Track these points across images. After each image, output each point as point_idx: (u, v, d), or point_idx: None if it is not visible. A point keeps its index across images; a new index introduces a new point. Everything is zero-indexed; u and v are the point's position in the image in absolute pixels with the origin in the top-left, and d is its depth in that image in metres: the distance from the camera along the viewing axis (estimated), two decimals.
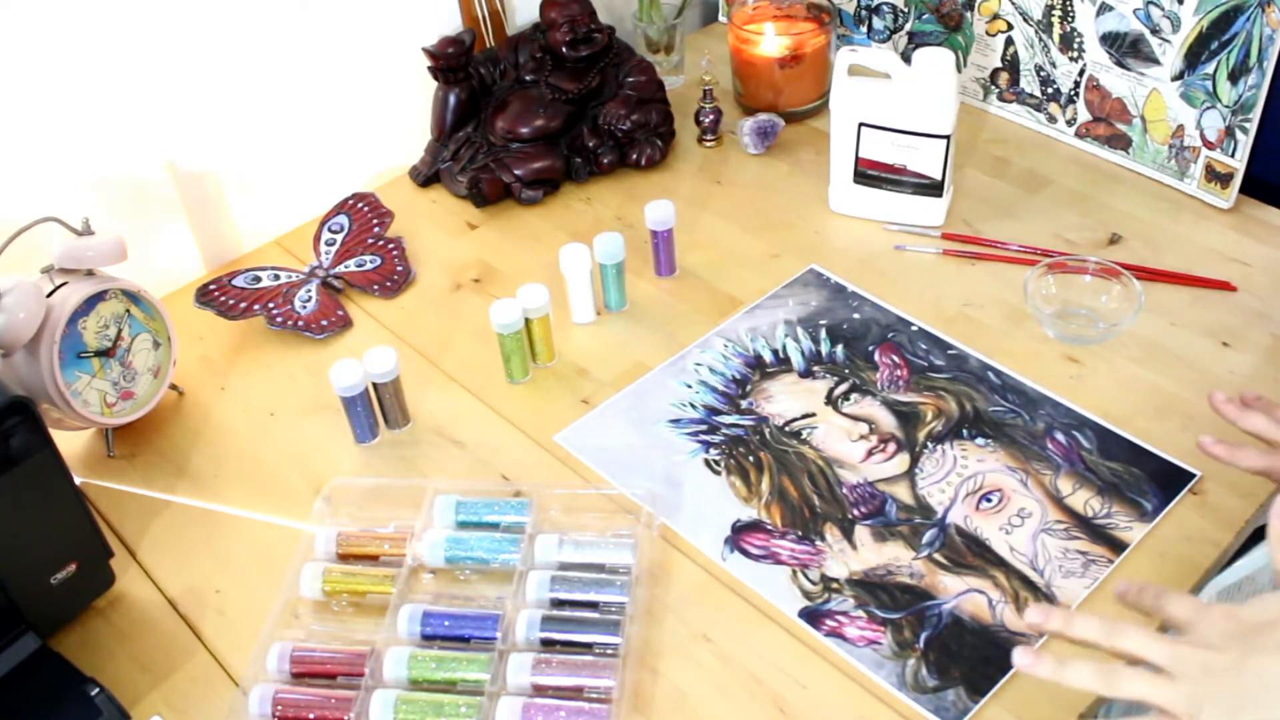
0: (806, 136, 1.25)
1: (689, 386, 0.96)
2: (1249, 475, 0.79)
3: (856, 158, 1.09)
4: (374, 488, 0.89)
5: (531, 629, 0.76)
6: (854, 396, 0.94)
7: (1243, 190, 1.08)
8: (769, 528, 0.84)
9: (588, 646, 0.76)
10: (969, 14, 1.21)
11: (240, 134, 1.11)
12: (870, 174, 1.09)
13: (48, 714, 0.73)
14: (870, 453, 0.89)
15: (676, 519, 0.85)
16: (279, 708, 0.73)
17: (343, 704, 0.73)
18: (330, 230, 1.14)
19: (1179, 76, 1.06)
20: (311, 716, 0.73)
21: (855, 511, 0.85)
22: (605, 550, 0.81)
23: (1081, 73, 1.14)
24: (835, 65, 1.07)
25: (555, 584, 0.79)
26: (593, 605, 0.78)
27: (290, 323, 1.04)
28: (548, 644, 0.76)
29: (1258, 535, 0.92)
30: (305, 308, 1.06)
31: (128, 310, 0.94)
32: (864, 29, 1.32)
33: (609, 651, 0.75)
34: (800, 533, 0.84)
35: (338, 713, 0.73)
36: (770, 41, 1.23)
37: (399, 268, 1.11)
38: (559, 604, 0.78)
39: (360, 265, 1.11)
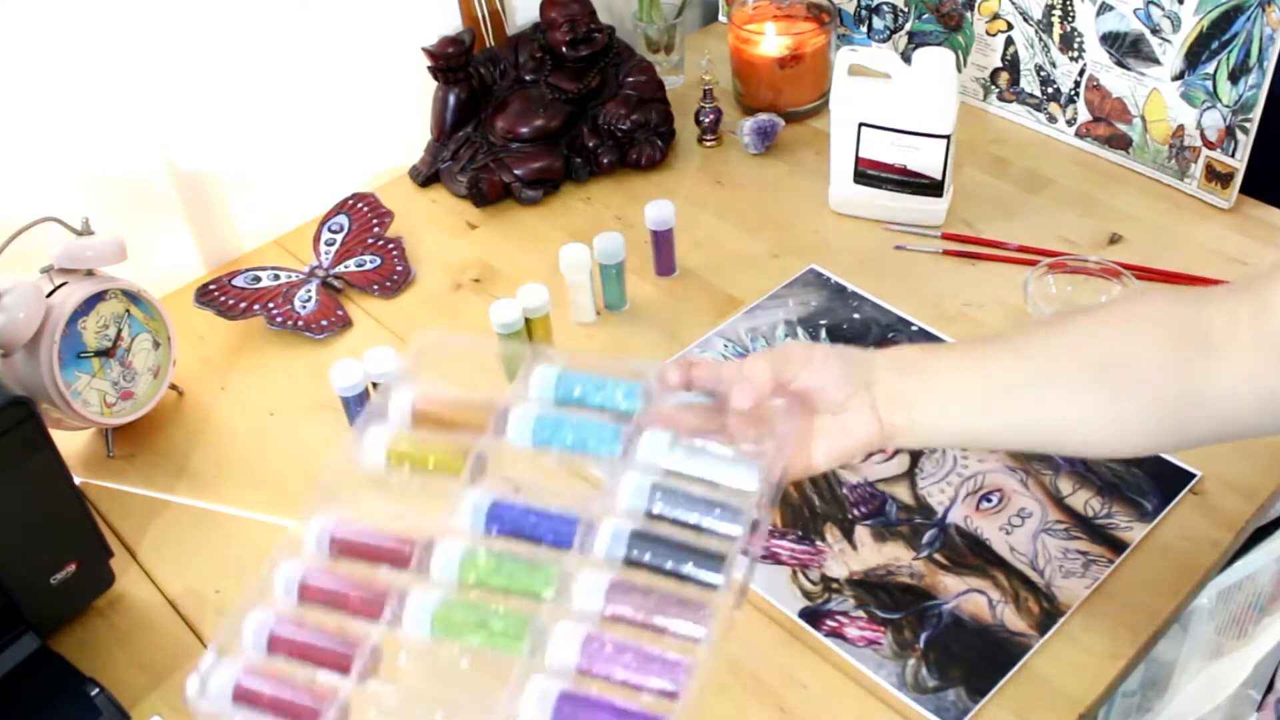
0: (806, 136, 1.25)
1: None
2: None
3: (856, 158, 1.09)
4: (469, 347, 0.79)
5: (617, 543, 0.60)
6: None
7: (1243, 190, 1.08)
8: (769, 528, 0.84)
9: (681, 579, 0.60)
10: (969, 14, 1.21)
11: (240, 134, 1.11)
12: (870, 174, 1.09)
13: (48, 714, 0.73)
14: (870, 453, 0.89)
15: None
16: (306, 589, 0.62)
17: (373, 602, 0.61)
18: (330, 230, 1.14)
19: (1179, 76, 1.06)
20: (343, 595, 0.62)
21: (855, 511, 0.85)
22: (724, 467, 0.64)
23: (1082, 73, 1.14)
24: (835, 65, 1.07)
25: (658, 494, 0.62)
26: (696, 529, 0.62)
27: (290, 323, 1.04)
28: (633, 566, 0.61)
29: (1258, 535, 0.92)
30: (305, 308, 1.06)
31: (128, 310, 0.94)
32: (864, 29, 1.32)
33: (707, 586, 0.60)
34: (800, 533, 0.84)
35: (371, 603, 0.60)
36: (770, 41, 1.23)
37: (399, 268, 1.11)
38: (656, 519, 0.62)
39: (360, 265, 1.11)
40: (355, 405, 0.91)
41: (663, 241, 1.05)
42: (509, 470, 0.67)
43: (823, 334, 1.00)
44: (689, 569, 0.60)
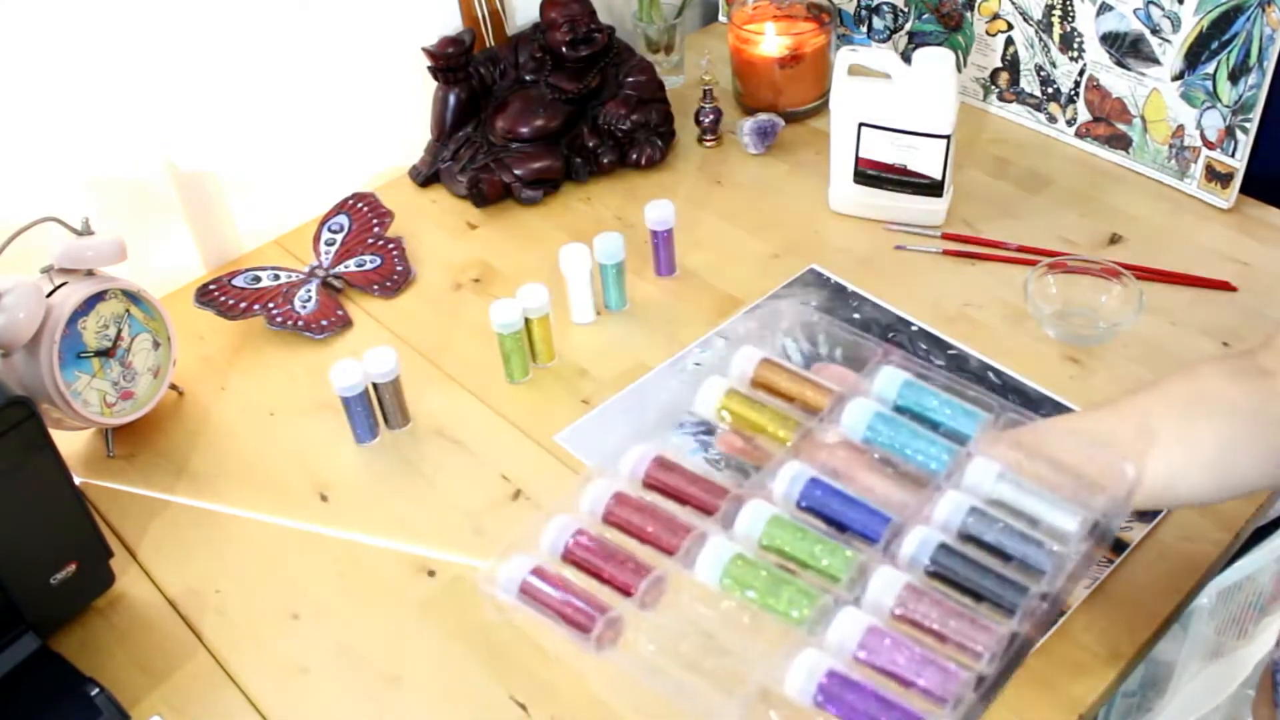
0: (806, 136, 1.25)
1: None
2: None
3: (856, 158, 1.09)
4: (817, 322, 0.78)
5: (924, 550, 0.61)
6: None
7: (1243, 190, 1.08)
8: None
9: (978, 599, 0.60)
10: (969, 14, 1.21)
11: (240, 134, 1.11)
12: (870, 174, 1.09)
13: (48, 714, 0.73)
14: None
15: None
16: (612, 513, 0.64)
17: (671, 538, 0.62)
18: (330, 230, 1.14)
19: (1179, 76, 1.06)
20: (641, 525, 0.63)
21: None
22: (1048, 507, 0.62)
23: (1081, 73, 1.14)
24: (835, 65, 1.07)
25: (973, 517, 0.62)
26: (1005, 558, 0.61)
27: (290, 323, 1.04)
28: (933, 577, 0.61)
29: (1258, 535, 0.92)
30: (305, 308, 1.06)
31: (128, 310, 0.94)
32: (864, 29, 1.32)
33: (1002, 608, 0.59)
34: None
35: (669, 539, 0.62)
36: (770, 41, 1.23)
37: (399, 268, 1.11)
38: (967, 539, 0.62)
39: (360, 265, 1.11)
40: (355, 405, 0.91)
41: (663, 241, 1.05)
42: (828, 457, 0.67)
43: (822, 335, 0.99)
44: (990, 588, 0.60)
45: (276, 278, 1.09)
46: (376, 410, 0.93)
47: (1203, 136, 1.07)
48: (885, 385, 0.69)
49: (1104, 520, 0.61)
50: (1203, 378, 0.66)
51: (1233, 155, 1.05)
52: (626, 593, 0.61)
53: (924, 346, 0.97)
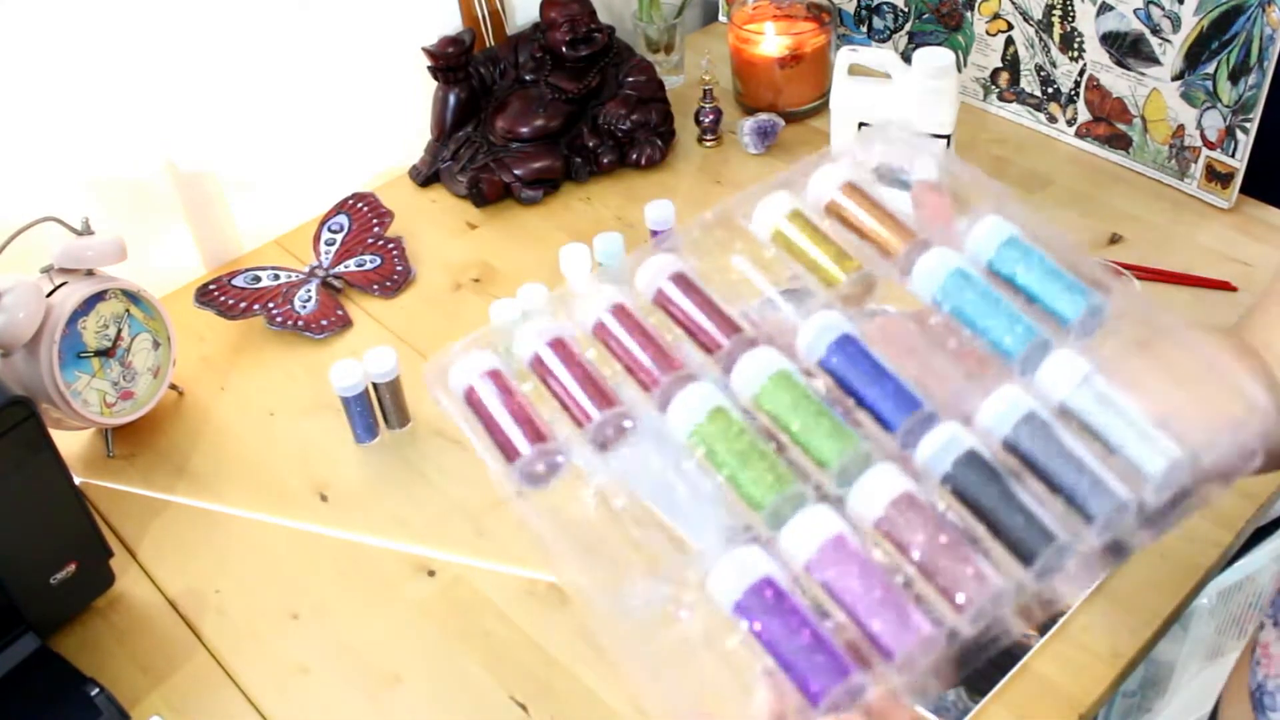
0: (806, 136, 1.25)
1: None
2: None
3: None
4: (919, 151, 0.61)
5: (945, 454, 0.46)
6: None
7: (1243, 190, 1.08)
8: None
9: (996, 534, 0.45)
10: (969, 14, 1.21)
11: (240, 134, 1.11)
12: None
13: (48, 714, 0.73)
14: None
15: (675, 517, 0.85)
16: (608, 317, 0.53)
17: (656, 371, 0.50)
18: (330, 230, 1.14)
19: (1179, 76, 1.06)
20: (628, 350, 0.52)
21: None
22: (1135, 435, 0.46)
23: (1082, 72, 1.14)
24: (835, 65, 1.07)
25: (1028, 426, 0.46)
26: (1054, 489, 0.46)
27: (290, 323, 1.04)
28: (952, 493, 0.46)
29: (1258, 535, 0.92)
30: (305, 308, 1.06)
31: (127, 310, 0.94)
32: (864, 29, 1.32)
33: (1020, 554, 0.44)
34: None
35: (652, 373, 0.51)
36: (770, 41, 1.23)
37: (399, 268, 1.11)
38: (1012, 451, 0.47)
39: (360, 265, 1.11)
40: (355, 405, 0.91)
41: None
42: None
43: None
44: (1011, 524, 0.44)
45: (276, 278, 1.09)
46: (376, 410, 0.93)
47: (1203, 136, 1.07)
48: (984, 237, 0.52)
49: (1210, 470, 0.45)
50: None
51: (1233, 155, 1.05)
52: (582, 423, 0.50)
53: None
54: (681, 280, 0.54)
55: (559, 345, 0.52)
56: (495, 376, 0.52)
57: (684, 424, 0.49)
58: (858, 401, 0.49)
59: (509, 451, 0.50)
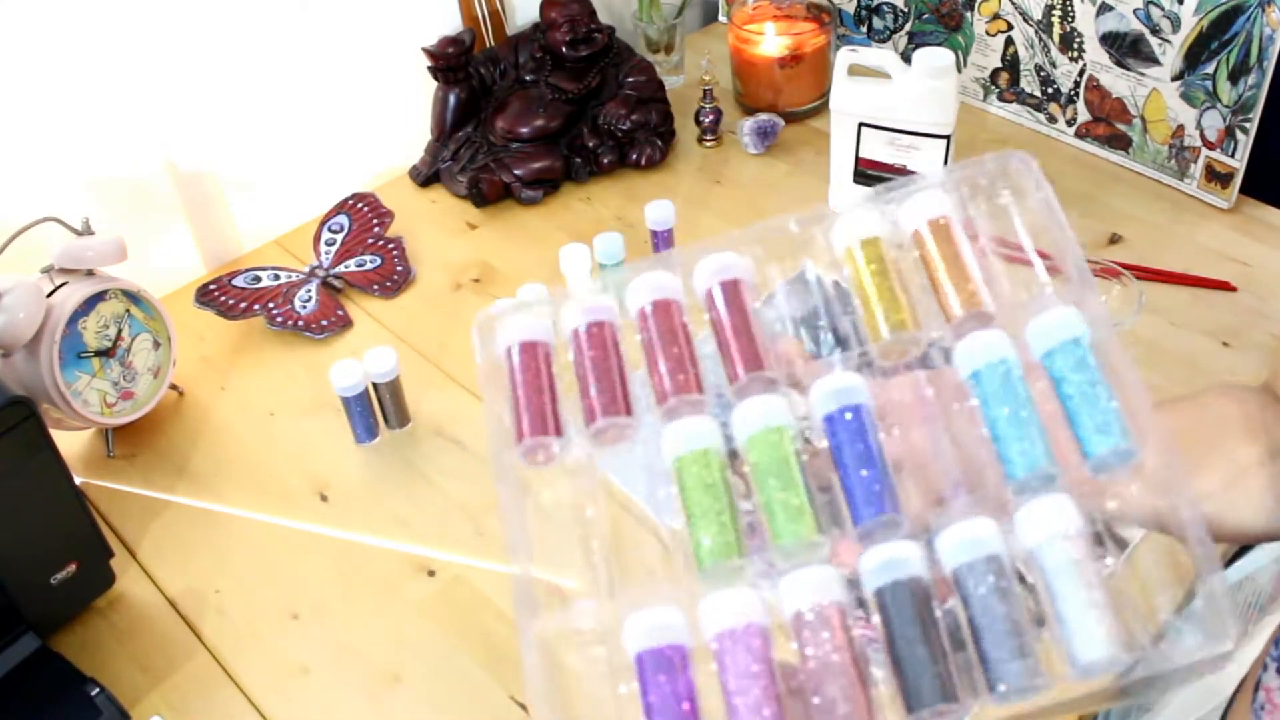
0: (806, 136, 1.25)
1: None
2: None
3: (856, 158, 1.09)
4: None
5: (888, 571, 0.45)
6: None
7: (1243, 190, 1.08)
8: None
9: (895, 667, 0.44)
10: (969, 14, 1.21)
11: (240, 134, 1.11)
12: (870, 174, 1.09)
13: (48, 714, 0.73)
14: None
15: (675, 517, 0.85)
16: (650, 310, 0.52)
17: (682, 381, 0.50)
18: (330, 230, 1.14)
19: (1179, 76, 1.06)
20: (657, 352, 0.51)
21: None
22: (1083, 613, 0.47)
23: (1081, 73, 1.14)
24: (835, 65, 1.07)
25: (982, 568, 0.45)
26: (978, 642, 0.45)
27: (290, 323, 1.04)
28: (878, 609, 0.46)
29: None
30: (305, 308, 1.06)
31: (128, 310, 0.94)
32: (864, 29, 1.32)
33: (904, 697, 0.44)
34: None
35: (666, 383, 0.50)
36: (770, 41, 1.23)
37: (399, 268, 1.11)
38: (959, 587, 0.45)
39: (360, 265, 1.11)
40: (355, 405, 0.91)
41: (663, 241, 1.05)
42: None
43: (822, 335, 0.99)
44: (912, 670, 0.44)
45: (276, 278, 1.09)
46: (376, 410, 0.93)
47: (1203, 136, 1.07)
48: (1052, 327, 0.49)
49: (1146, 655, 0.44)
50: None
51: (1233, 155, 1.05)
52: (589, 420, 0.50)
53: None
54: (731, 289, 0.53)
55: (598, 326, 0.51)
56: (530, 349, 0.51)
57: (671, 451, 0.49)
58: (841, 478, 0.47)
59: (515, 429, 0.50)
